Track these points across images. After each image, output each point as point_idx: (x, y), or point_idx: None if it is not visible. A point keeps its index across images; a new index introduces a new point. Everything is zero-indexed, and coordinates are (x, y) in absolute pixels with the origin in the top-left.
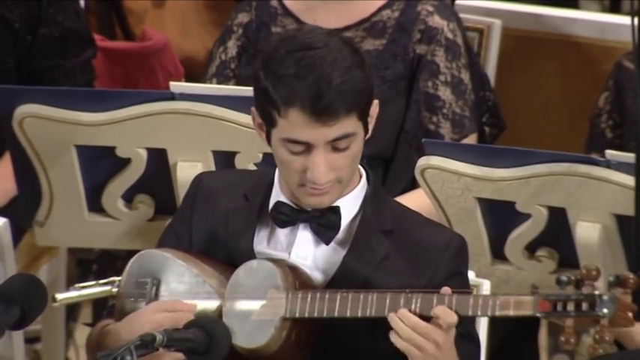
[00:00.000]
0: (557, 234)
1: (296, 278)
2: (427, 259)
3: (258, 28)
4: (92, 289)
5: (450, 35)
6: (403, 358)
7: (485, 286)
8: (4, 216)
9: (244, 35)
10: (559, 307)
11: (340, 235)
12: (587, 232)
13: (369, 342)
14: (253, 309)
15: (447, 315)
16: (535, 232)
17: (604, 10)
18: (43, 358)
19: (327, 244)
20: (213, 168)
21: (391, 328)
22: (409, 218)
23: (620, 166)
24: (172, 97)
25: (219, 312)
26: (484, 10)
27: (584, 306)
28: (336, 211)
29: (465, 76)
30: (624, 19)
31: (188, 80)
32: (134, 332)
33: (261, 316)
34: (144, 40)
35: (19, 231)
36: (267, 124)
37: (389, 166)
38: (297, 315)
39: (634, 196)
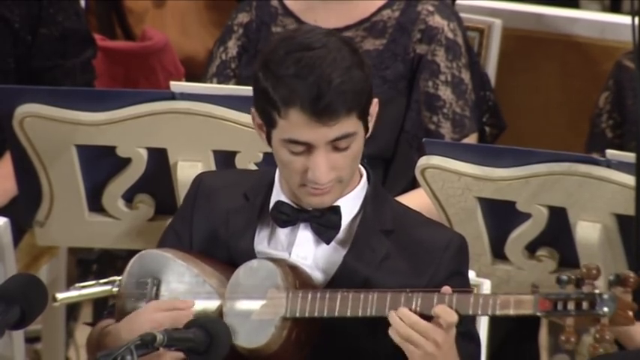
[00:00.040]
0: (557, 234)
1: (296, 278)
2: (428, 259)
3: (258, 28)
4: (92, 288)
5: (450, 35)
6: (403, 357)
7: (486, 286)
8: (4, 216)
9: (245, 35)
10: (559, 306)
11: (341, 234)
12: (587, 231)
13: (369, 341)
14: (254, 309)
15: (447, 314)
16: (535, 232)
17: (604, 9)
18: (44, 357)
19: (328, 243)
20: (213, 168)
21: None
22: (410, 218)
23: (620, 166)
24: (173, 96)
25: (219, 312)
26: (484, 9)
27: (585, 305)
28: (336, 211)
29: (466, 75)
30: (624, 19)
31: (188, 80)
32: (134, 332)
33: (261, 315)
34: (144, 40)
35: (19, 231)
36: (268, 124)
37: (389, 165)
38: (297, 315)
39: (634, 196)
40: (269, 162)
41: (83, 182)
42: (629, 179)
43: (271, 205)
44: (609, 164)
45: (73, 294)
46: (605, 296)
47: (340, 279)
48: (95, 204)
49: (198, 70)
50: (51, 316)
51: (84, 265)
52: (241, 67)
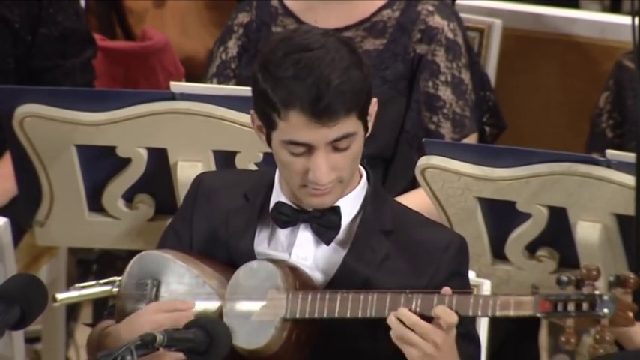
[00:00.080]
0: (557, 234)
1: (296, 279)
2: (428, 260)
3: (258, 28)
4: (92, 289)
5: (450, 35)
6: (403, 358)
7: (486, 286)
8: (4, 216)
9: (245, 35)
10: (559, 307)
11: (341, 235)
12: (587, 231)
13: (369, 342)
14: (253, 309)
15: (447, 315)
16: (535, 232)
17: (604, 10)
18: (44, 358)
19: (328, 244)
20: (213, 168)
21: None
22: (409, 218)
23: (620, 166)
24: (173, 96)
25: (219, 313)
26: (484, 9)
27: (585, 306)
28: (336, 212)
29: (466, 76)
30: (624, 19)
31: (188, 80)
32: (134, 333)
33: (261, 316)
34: (144, 40)
35: (19, 231)
36: (267, 126)
37: (389, 166)
38: (297, 315)
39: (634, 196)
40: (269, 162)
41: (83, 182)
42: (629, 179)
43: (271, 205)
44: (609, 164)
45: (73, 294)
46: (605, 297)
47: (340, 279)
48: (95, 204)
49: (198, 70)
50: (51, 316)
51: (84, 265)
52: (241, 67)
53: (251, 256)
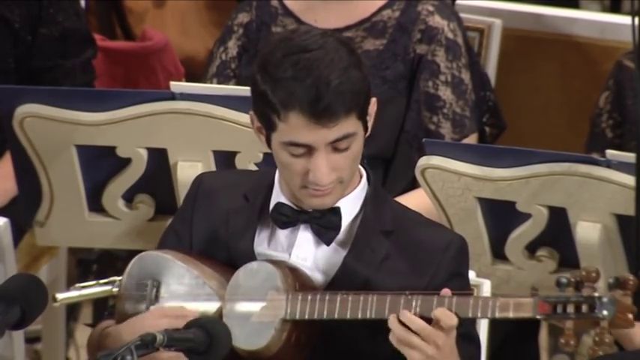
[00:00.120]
0: (557, 234)
1: (296, 280)
2: (428, 260)
3: (258, 28)
4: (92, 289)
5: (450, 35)
6: (402, 359)
7: (486, 286)
8: (4, 216)
9: (245, 35)
10: (559, 309)
11: (341, 235)
12: (587, 231)
13: (368, 343)
14: (253, 311)
15: (447, 317)
16: (535, 232)
17: (604, 10)
18: (44, 358)
19: (328, 244)
20: (213, 168)
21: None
22: (409, 219)
23: (620, 166)
24: (173, 96)
25: (219, 314)
26: (484, 9)
27: (584, 308)
28: (336, 212)
29: (466, 76)
30: (624, 19)
31: (188, 80)
32: (136, 335)
33: (261, 317)
34: (144, 40)
35: (19, 231)
36: (267, 128)
37: (389, 166)
38: (297, 317)
39: (634, 196)
40: (269, 162)
41: (83, 182)
42: (629, 179)
43: (271, 206)
44: (609, 164)
45: (73, 294)
46: (605, 299)
47: (340, 280)
48: (95, 204)
49: (198, 70)
50: (51, 316)
51: (84, 265)
52: (241, 67)
53: (251, 256)
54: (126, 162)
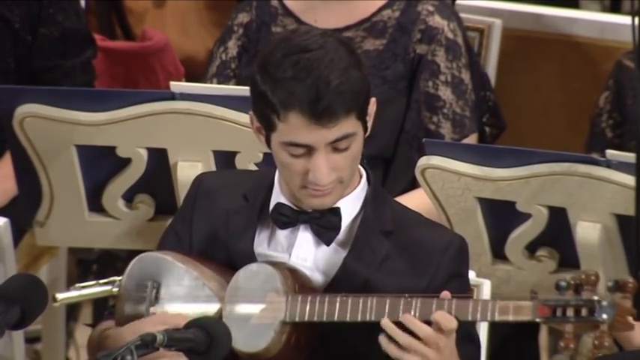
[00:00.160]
0: (557, 234)
1: (295, 281)
2: (427, 260)
3: (258, 28)
4: (92, 289)
5: (450, 35)
6: None
7: (486, 286)
8: (4, 216)
9: (245, 35)
10: (558, 313)
11: (341, 236)
12: (587, 231)
13: (368, 345)
14: (253, 313)
15: (446, 320)
16: (535, 232)
17: (604, 10)
18: (44, 358)
19: (328, 245)
20: (213, 168)
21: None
22: (409, 219)
23: (620, 166)
24: (173, 96)
25: (219, 316)
26: (484, 9)
27: (584, 312)
28: (336, 212)
29: (466, 76)
30: (624, 19)
31: (188, 80)
32: None
33: (261, 319)
34: (144, 40)
35: (19, 231)
36: (267, 128)
37: (389, 166)
38: (296, 319)
39: (634, 196)
40: (269, 162)
41: (83, 182)
42: (629, 179)
43: (271, 206)
44: (609, 164)
45: (73, 294)
46: (604, 303)
47: (340, 280)
48: (95, 204)
49: (198, 70)
50: (51, 316)
51: (84, 265)
52: (241, 67)
53: (251, 256)
54: (126, 162)
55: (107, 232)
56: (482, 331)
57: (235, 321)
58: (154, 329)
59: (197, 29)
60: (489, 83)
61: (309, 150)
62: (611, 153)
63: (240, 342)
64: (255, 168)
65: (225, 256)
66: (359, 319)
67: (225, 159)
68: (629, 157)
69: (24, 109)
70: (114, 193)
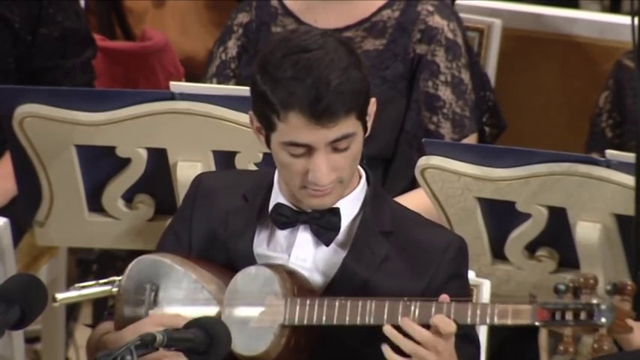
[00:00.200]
0: (557, 234)
1: (294, 284)
2: (427, 261)
3: (258, 28)
4: (92, 289)
5: (450, 35)
6: None
7: (486, 286)
8: (4, 216)
9: (244, 35)
10: (557, 316)
11: (340, 236)
12: (587, 231)
13: (368, 348)
14: (252, 316)
15: (445, 324)
16: (535, 232)
17: (604, 10)
18: (43, 358)
19: (327, 245)
20: (213, 168)
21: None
22: (409, 219)
23: (620, 166)
24: (172, 96)
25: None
26: (484, 9)
27: (583, 315)
28: (335, 213)
29: (465, 76)
30: (624, 19)
31: (188, 80)
32: None
33: (260, 323)
34: (144, 40)
35: (19, 231)
36: (267, 128)
37: (389, 166)
38: (295, 322)
39: (634, 196)
40: (269, 162)
41: (83, 182)
42: (629, 179)
43: (270, 206)
44: (609, 164)
45: (73, 294)
46: (603, 307)
47: (340, 281)
48: (95, 204)
49: (198, 70)
50: (51, 316)
51: (84, 265)
52: (241, 67)
53: (250, 257)
54: (126, 162)
55: (107, 232)
56: (482, 331)
57: (234, 324)
58: (153, 330)
59: (197, 29)
60: (489, 83)
61: (309, 150)
62: (611, 153)
63: (240, 345)
64: (255, 168)
65: (224, 257)
66: (358, 322)
67: (225, 159)
68: (629, 157)
69: (24, 109)
70: (114, 193)
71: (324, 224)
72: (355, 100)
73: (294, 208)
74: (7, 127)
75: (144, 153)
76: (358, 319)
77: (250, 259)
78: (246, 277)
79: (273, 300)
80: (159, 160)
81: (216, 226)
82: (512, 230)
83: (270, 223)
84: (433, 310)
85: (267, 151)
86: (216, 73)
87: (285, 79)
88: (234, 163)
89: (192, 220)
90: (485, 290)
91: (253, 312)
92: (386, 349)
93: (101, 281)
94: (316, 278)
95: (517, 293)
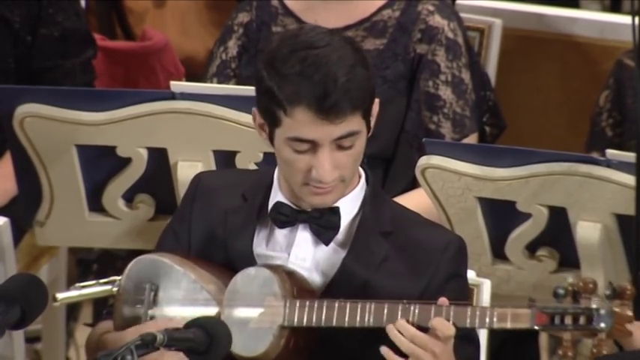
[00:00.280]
0: (557, 234)
1: (294, 284)
2: (426, 261)
3: (258, 27)
4: (92, 288)
5: (450, 35)
6: None
7: (486, 286)
8: (4, 216)
9: (245, 35)
10: (556, 321)
11: (340, 236)
12: (587, 231)
13: (366, 349)
14: (251, 317)
15: (444, 327)
16: (535, 232)
17: (604, 9)
18: (44, 358)
19: (327, 244)
20: (213, 167)
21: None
22: (408, 219)
23: (620, 166)
24: (173, 96)
25: None
26: (485, 9)
27: (582, 320)
28: (335, 212)
29: (466, 75)
30: (624, 19)
31: (188, 80)
32: None
33: (259, 324)
34: (144, 39)
35: (19, 231)
36: (271, 124)
37: (389, 165)
38: (295, 324)
39: (634, 196)
40: (269, 162)
41: (83, 182)
42: (629, 179)
43: (270, 205)
44: (609, 164)
45: (73, 294)
46: (602, 312)
47: (339, 281)
48: (95, 204)
49: (198, 70)
50: (51, 316)
51: (84, 265)
52: (241, 66)
53: (249, 256)
54: (126, 162)
55: (107, 232)
56: (482, 331)
57: (233, 325)
58: None
59: (197, 29)
60: (489, 83)
61: (314, 146)
62: (611, 153)
63: (239, 346)
64: (255, 167)
65: (223, 256)
66: (357, 324)
67: (225, 159)
68: (630, 156)
69: (24, 109)
70: (114, 192)
71: (323, 223)
72: (361, 98)
73: (294, 206)
74: (7, 127)
75: (144, 153)
76: (357, 320)
77: (249, 259)
78: (245, 277)
79: (272, 301)
80: (159, 159)
81: (216, 225)
82: (513, 230)
83: (270, 223)
84: (432, 312)
85: (268, 150)
86: (216, 72)
87: (293, 74)
88: (235, 163)
89: (191, 219)
90: (485, 290)
91: (252, 313)
92: (385, 349)
93: (101, 281)
94: (315, 278)
95: (517, 293)
